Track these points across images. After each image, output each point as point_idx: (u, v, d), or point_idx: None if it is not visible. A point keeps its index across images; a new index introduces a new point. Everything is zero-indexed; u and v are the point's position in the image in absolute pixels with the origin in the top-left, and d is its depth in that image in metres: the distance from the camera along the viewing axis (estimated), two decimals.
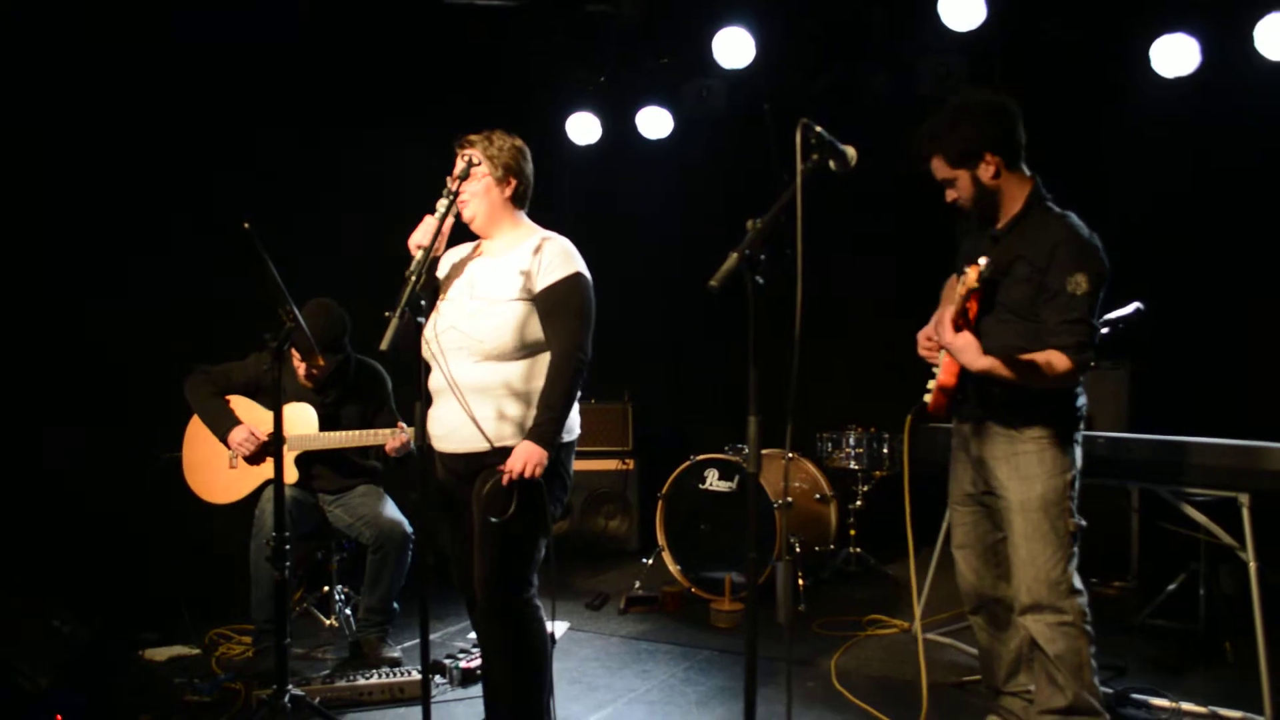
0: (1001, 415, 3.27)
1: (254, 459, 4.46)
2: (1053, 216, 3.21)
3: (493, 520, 3.07)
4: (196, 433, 4.55)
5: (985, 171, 3.21)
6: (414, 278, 3.00)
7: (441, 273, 3.36)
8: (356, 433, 4.47)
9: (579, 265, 3.25)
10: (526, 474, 3.06)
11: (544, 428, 3.11)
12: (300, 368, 4.47)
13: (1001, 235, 3.25)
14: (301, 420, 4.47)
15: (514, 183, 3.31)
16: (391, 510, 4.61)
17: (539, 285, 3.18)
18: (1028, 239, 3.17)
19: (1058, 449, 3.21)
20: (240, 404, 4.53)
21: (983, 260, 3.09)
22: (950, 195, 3.31)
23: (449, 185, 3.20)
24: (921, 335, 3.47)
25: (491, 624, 3.27)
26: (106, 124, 5.05)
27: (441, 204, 3.17)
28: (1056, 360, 3.05)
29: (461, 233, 3.35)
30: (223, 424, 4.44)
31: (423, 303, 3.02)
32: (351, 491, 4.66)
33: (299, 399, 4.51)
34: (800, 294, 2.45)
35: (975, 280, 3.08)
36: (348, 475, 4.67)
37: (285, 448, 4.43)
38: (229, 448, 4.43)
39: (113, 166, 5.10)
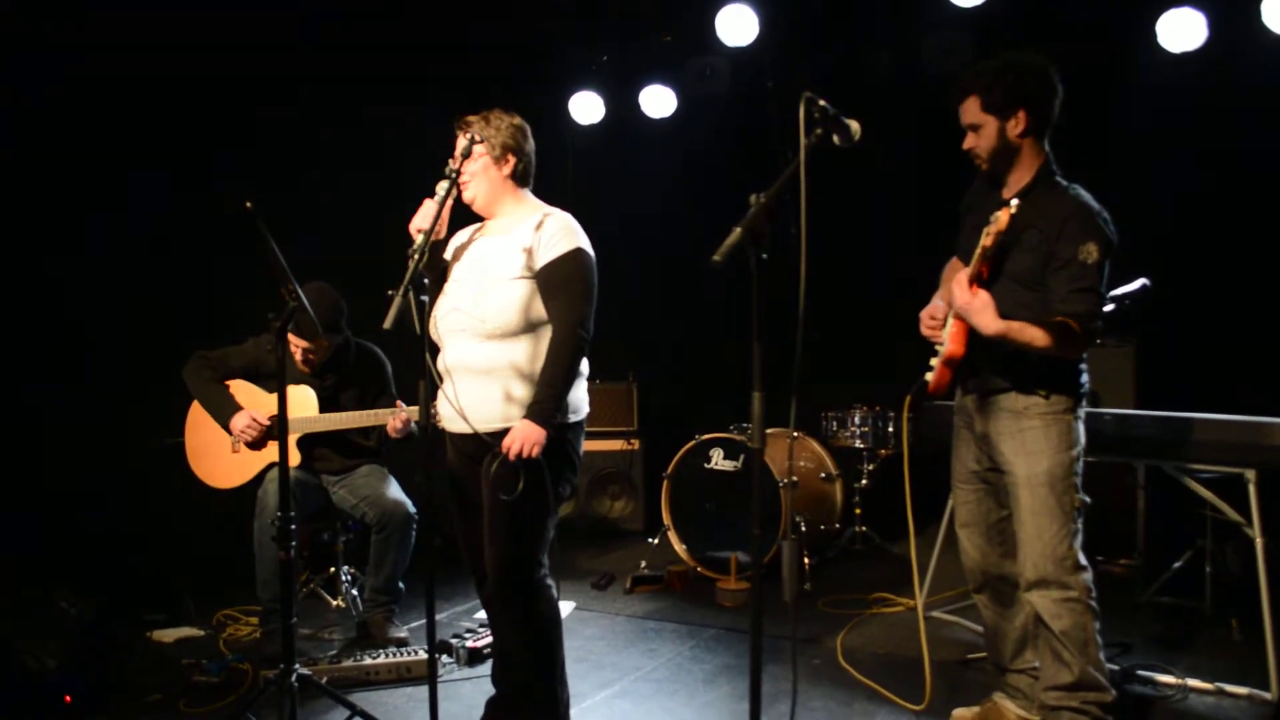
0: (1009, 386, 3.25)
1: (256, 444, 4.46)
2: (1062, 189, 3.21)
3: (502, 498, 3.07)
4: (198, 419, 4.55)
5: (1013, 127, 3.19)
6: (417, 256, 2.99)
7: (447, 255, 3.36)
8: (356, 413, 4.47)
9: (581, 241, 3.24)
10: (525, 453, 3.05)
11: (542, 405, 3.10)
12: (296, 353, 4.46)
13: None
14: (302, 403, 4.47)
15: (512, 161, 3.29)
16: (395, 490, 4.62)
17: (540, 261, 3.17)
18: (1038, 209, 3.16)
19: (1063, 424, 3.21)
20: (241, 388, 4.52)
21: (1014, 202, 3.07)
22: (969, 141, 3.28)
23: (450, 166, 3.19)
24: (924, 314, 3.46)
25: (504, 604, 3.28)
26: (102, 98, 5.03)
27: (441, 186, 3.16)
28: (1067, 327, 3.04)
29: (465, 215, 3.33)
30: (223, 410, 4.43)
31: (425, 281, 3.01)
32: (355, 472, 4.66)
33: (298, 382, 4.51)
34: (804, 270, 2.44)
35: (1006, 222, 3.05)
36: (350, 456, 4.67)
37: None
38: (230, 434, 4.43)
39: (113, 143, 5.08)
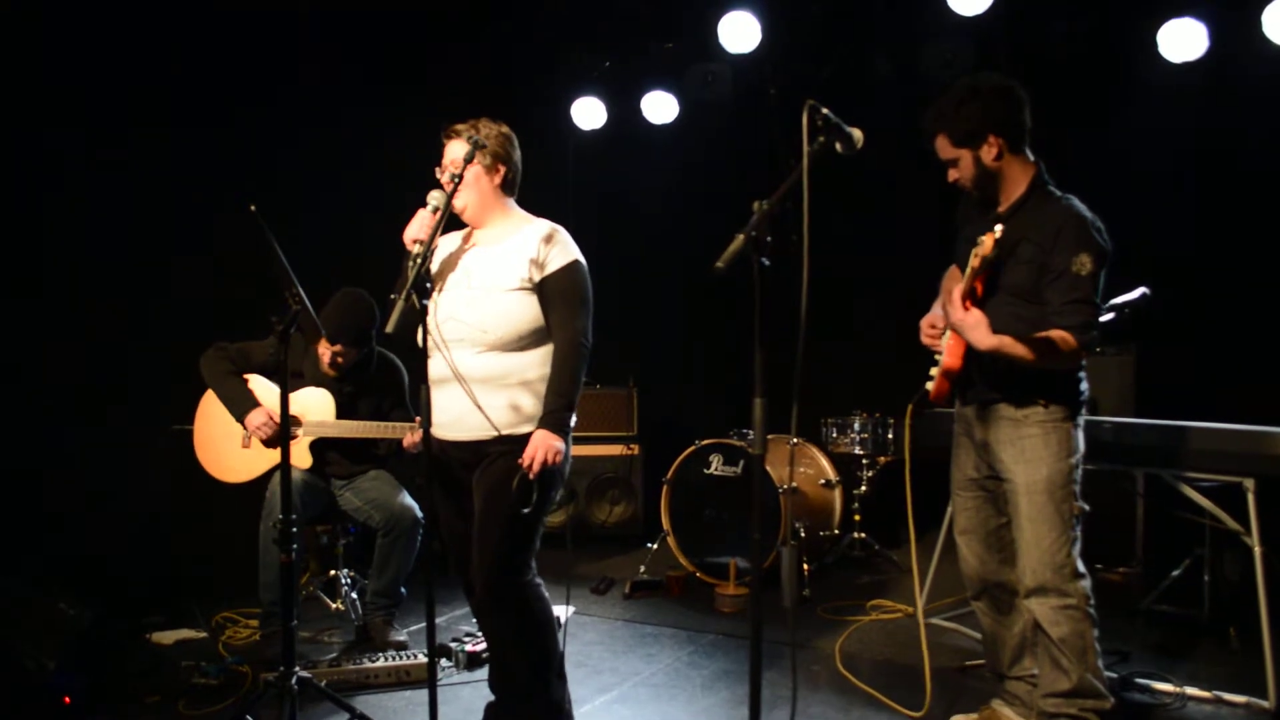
0: (1006, 397, 3.27)
1: (271, 442, 4.45)
2: (1055, 199, 3.22)
3: (524, 511, 3.09)
4: (209, 408, 4.53)
5: (987, 153, 3.21)
6: (419, 261, 3.00)
7: (435, 263, 3.36)
8: (375, 424, 4.47)
9: (577, 254, 3.27)
10: (547, 462, 3.09)
11: (557, 415, 3.14)
12: (325, 355, 4.47)
13: (1004, 218, 3.25)
14: (319, 407, 4.47)
15: (502, 170, 3.31)
16: (402, 495, 4.62)
17: (543, 273, 3.19)
18: (1031, 221, 3.18)
19: (1062, 432, 3.22)
20: (258, 384, 4.51)
21: (998, 228, 3.09)
22: (952, 175, 3.32)
23: (449, 172, 3.20)
24: (924, 323, 3.47)
25: (495, 610, 3.29)
26: (111, 106, 5.05)
27: (434, 195, 3.17)
28: (1063, 339, 3.06)
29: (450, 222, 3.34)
30: (241, 404, 4.41)
31: (428, 285, 3.02)
32: (362, 476, 4.66)
33: (318, 385, 4.52)
34: (806, 277, 2.45)
35: (991, 247, 3.08)
36: (358, 462, 4.68)
37: (301, 433, 4.44)
38: (246, 429, 4.43)
39: (122, 146, 5.09)
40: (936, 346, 3.40)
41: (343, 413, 4.51)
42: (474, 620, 4.65)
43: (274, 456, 4.46)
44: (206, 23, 5.21)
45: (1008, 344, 3.08)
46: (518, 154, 3.37)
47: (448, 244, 3.41)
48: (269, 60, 5.47)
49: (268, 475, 4.49)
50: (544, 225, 3.29)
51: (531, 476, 3.09)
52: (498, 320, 3.16)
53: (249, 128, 5.43)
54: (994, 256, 3.11)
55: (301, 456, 4.45)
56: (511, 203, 3.39)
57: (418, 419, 4.46)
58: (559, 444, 3.11)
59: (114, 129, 5.04)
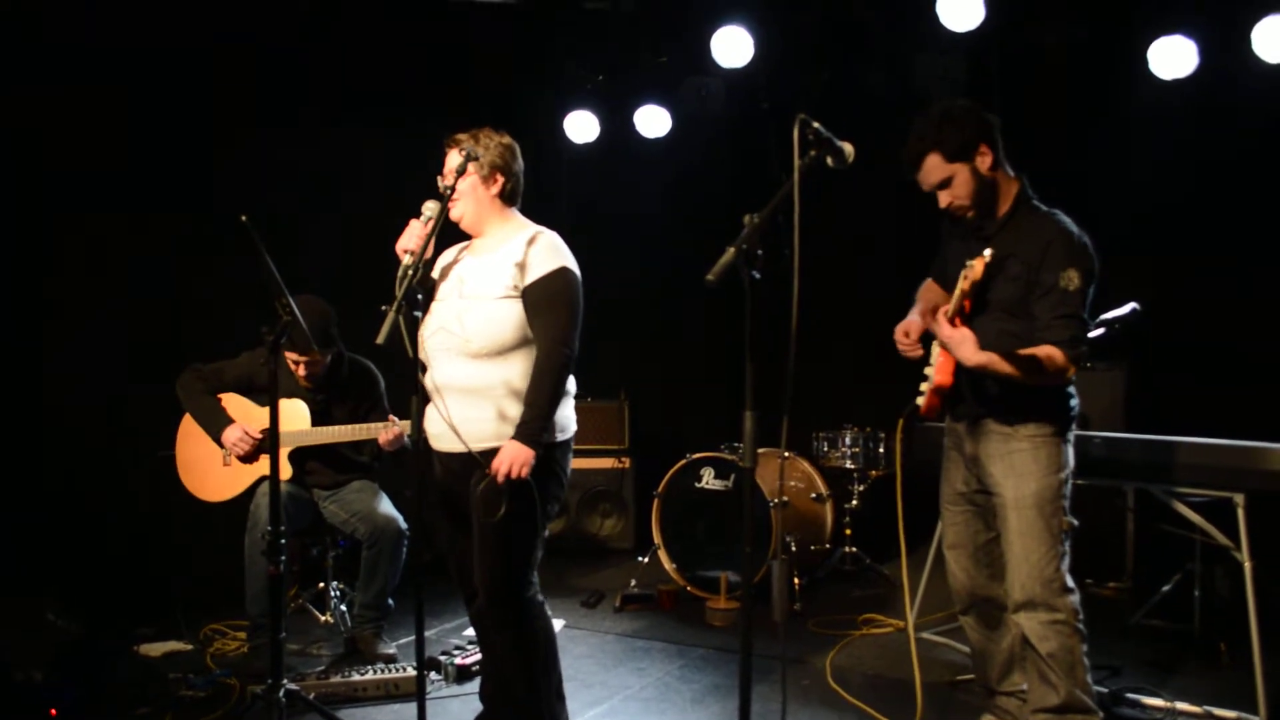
0: (997, 413, 3.27)
1: (248, 457, 4.45)
2: (1042, 214, 3.23)
3: (486, 520, 3.06)
4: (189, 431, 4.54)
5: (983, 162, 3.21)
6: (411, 272, 3.00)
7: (435, 274, 3.36)
8: (349, 427, 4.47)
9: (567, 260, 3.24)
10: (513, 474, 3.05)
11: (530, 425, 3.10)
12: (300, 368, 4.46)
13: (992, 235, 3.26)
14: (294, 416, 4.47)
15: (500, 180, 3.31)
16: (386, 506, 4.61)
17: (528, 279, 3.17)
18: (1019, 237, 3.19)
19: (1052, 447, 3.23)
20: (233, 401, 4.51)
21: (988, 252, 3.11)
22: (945, 199, 3.28)
23: (443, 184, 3.21)
24: (899, 330, 3.43)
25: (496, 624, 3.28)
26: (105, 118, 5.05)
27: (428, 206, 3.17)
28: (1051, 355, 3.06)
29: (453, 233, 3.35)
30: (215, 423, 4.43)
31: (419, 297, 3.02)
32: (346, 487, 4.65)
33: (291, 395, 4.51)
34: (796, 291, 2.45)
35: (981, 271, 3.09)
36: (342, 471, 4.67)
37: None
38: (222, 447, 4.42)
39: (112, 161, 5.09)
40: (912, 354, 3.40)
41: (318, 420, 4.51)
42: (464, 633, 4.66)
43: (255, 472, 4.47)
44: (205, 26, 5.23)
45: (995, 361, 3.09)
46: (519, 164, 3.36)
47: (449, 255, 3.42)
48: (265, 72, 5.48)
49: (251, 490, 4.49)
50: (533, 230, 3.28)
51: (498, 483, 3.05)
52: (480, 328, 3.15)
53: (241, 145, 5.43)
54: (984, 280, 3.13)
55: (280, 467, 4.43)
56: (513, 212, 3.38)
57: (392, 416, 4.48)
58: (527, 455, 3.06)
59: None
